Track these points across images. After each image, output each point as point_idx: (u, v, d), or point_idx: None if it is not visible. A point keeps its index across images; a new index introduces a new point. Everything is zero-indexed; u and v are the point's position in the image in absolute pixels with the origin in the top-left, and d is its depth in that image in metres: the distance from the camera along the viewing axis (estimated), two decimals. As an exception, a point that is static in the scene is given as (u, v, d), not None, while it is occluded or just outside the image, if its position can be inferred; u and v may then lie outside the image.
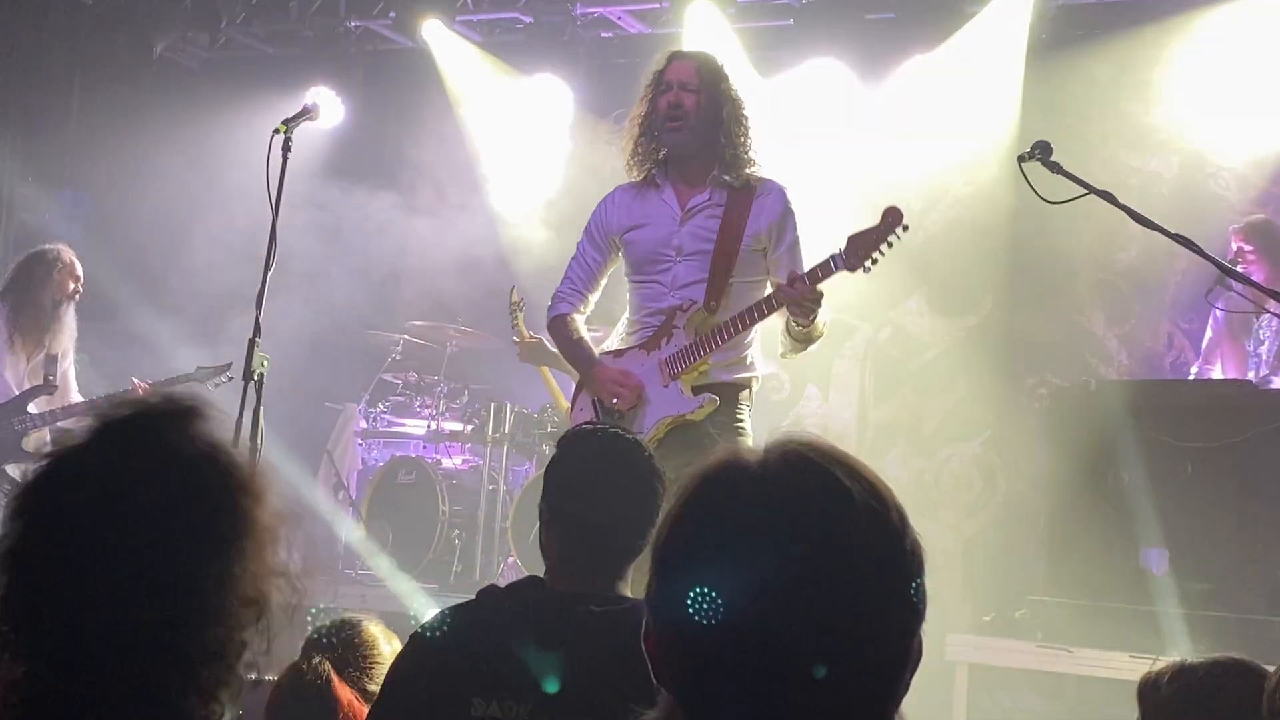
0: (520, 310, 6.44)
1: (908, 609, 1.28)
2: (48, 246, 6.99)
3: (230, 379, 6.96)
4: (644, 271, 4.56)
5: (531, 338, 6.34)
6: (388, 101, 9.34)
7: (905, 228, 4.30)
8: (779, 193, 4.52)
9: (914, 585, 1.29)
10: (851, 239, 4.30)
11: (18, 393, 6.70)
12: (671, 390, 4.41)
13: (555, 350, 5.20)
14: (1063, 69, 7.58)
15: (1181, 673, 2.48)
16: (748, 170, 4.50)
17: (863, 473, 1.31)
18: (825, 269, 4.29)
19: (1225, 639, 5.14)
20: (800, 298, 4.21)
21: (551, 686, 2.35)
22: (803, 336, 4.43)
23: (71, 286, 6.89)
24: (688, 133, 4.47)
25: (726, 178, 4.47)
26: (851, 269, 4.28)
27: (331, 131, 8.86)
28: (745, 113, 4.54)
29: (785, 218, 4.51)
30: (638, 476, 2.71)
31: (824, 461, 1.30)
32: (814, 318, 4.30)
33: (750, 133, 4.54)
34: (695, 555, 1.29)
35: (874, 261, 4.28)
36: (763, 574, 1.24)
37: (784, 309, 4.35)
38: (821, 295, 4.26)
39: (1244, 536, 5.40)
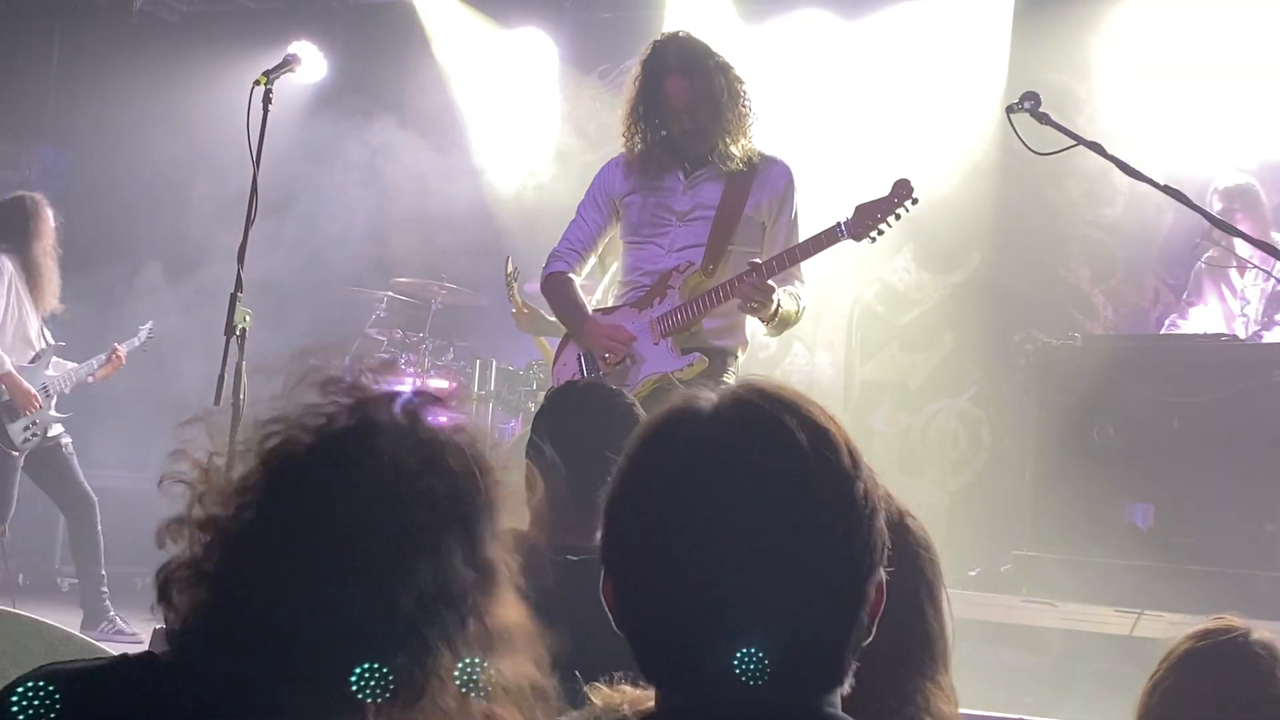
0: (515, 280, 6.37)
1: (857, 553, 1.27)
2: (24, 194, 6.81)
3: (152, 337, 7.18)
4: (641, 233, 4.53)
5: (526, 308, 6.29)
6: (370, 56, 9.24)
7: (915, 200, 4.29)
8: (783, 169, 4.53)
9: (865, 529, 1.28)
10: (859, 208, 4.30)
11: (37, 350, 6.68)
12: (661, 348, 4.40)
13: (552, 319, 5.15)
14: (1051, 24, 7.52)
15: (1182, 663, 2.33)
16: (751, 147, 4.50)
17: (814, 418, 1.30)
18: (831, 236, 4.30)
19: (1210, 593, 5.19)
20: (750, 292, 4.20)
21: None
22: (777, 326, 4.43)
23: (53, 236, 6.78)
24: (706, 141, 4.47)
25: (734, 150, 4.45)
26: (857, 238, 4.29)
27: (313, 86, 8.77)
28: (743, 90, 4.51)
29: (787, 194, 4.52)
30: (616, 426, 2.70)
31: (773, 406, 1.30)
32: (771, 311, 4.28)
33: (751, 109, 4.52)
34: (641, 501, 1.30)
35: (879, 232, 4.29)
36: (705, 519, 1.24)
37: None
38: (771, 290, 4.24)
39: (1229, 491, 5.42)
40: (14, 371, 6.47)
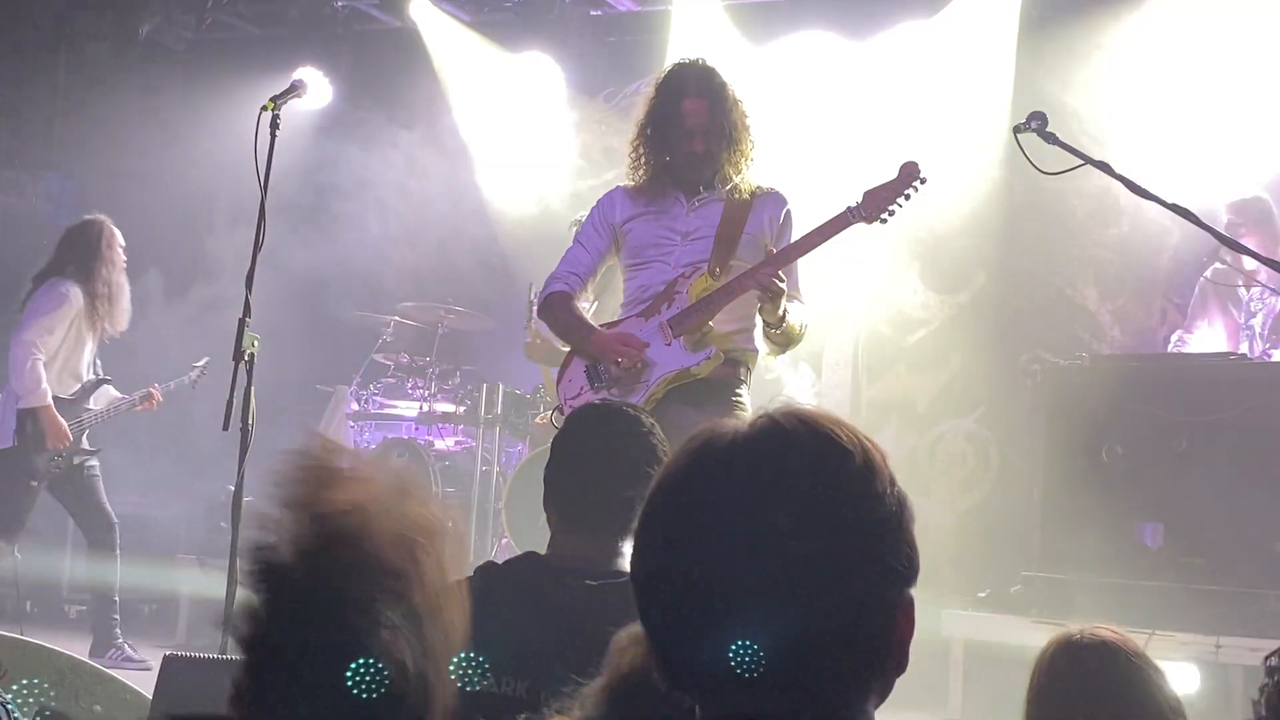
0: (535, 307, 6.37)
1: (868, 576, 1.29)
2: (90, 218, 6.85)
3: (203, 373, 7.14)
4: (645, 255, 4.53)
5: (538, 338, 6.26)
6: (376, 81, 9.28)
7: (923, 180, 4.30)
8: (781, 198, 4.56)
9: (877, 554, 1.29)
10: (868, 193, 4.31)
11: (88, 380, 6.74)
12: (674, 347, 4.37)
13: (565, 349, 5.12)
14: (1055, 43, 7.54)
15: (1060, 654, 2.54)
16: (750, 179, 4.53)
17: (822, 447, 1.32)
18: (842, 221, 4.30)
19: (1220, 613, 5.17)
20: (765, 280, 4.22)
21: (548, 662, 2.33)
22: (780, 339, 4.44)
23: (124, 257, 6.81)
24: (710, 167, 4.50)
25: (735, 179, 4.48)
26: (868, 220, 4.28)
27: (320, 112, 8.81)
28: (749, 124, 4.55)
29: (786, 219, 4.55)
30: (637, 449, 2.70)
31: (792, 431, 1.32)
32: (781, 312, 4.28)
33: (753, 140, 4.56)
34: (661, 521, 1.33)
35: (890, 214, 4.29)
36: (717, 536, 1.27)
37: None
38: (782, 284, 4.26)
39: (1238, 510, 5.40)
40: (51, 405, 6.50)
